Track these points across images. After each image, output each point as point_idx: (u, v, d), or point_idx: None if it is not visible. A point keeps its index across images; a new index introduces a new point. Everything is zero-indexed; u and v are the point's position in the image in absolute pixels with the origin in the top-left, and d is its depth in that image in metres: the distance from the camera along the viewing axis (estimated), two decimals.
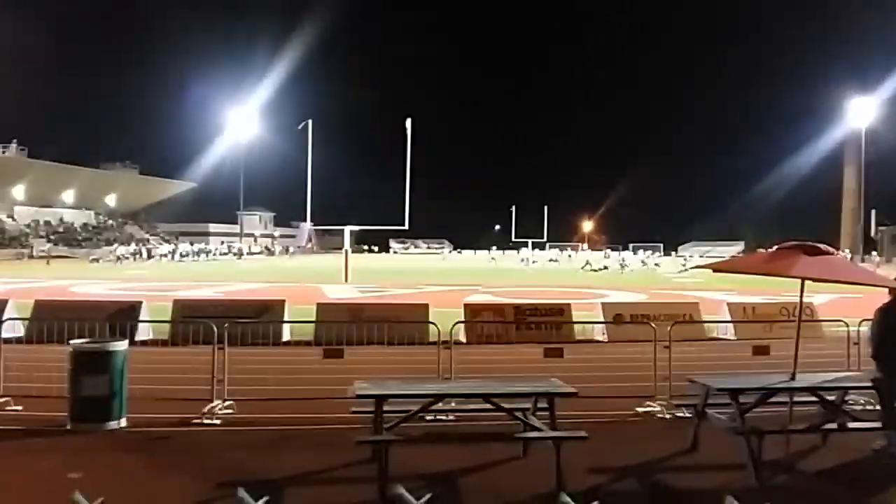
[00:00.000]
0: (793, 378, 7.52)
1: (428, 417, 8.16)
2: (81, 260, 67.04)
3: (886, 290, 7.89)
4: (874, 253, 67.98)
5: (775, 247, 8.04)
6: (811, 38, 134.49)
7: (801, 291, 7.78)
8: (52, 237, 78.09)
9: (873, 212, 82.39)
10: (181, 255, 72.59)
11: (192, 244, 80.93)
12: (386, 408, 6.80)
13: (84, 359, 8.10)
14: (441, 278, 40.72)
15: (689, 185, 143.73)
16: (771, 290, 21.57)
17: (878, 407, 7.84)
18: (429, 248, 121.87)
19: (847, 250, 64.64)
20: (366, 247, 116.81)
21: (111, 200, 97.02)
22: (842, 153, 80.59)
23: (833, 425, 7.58)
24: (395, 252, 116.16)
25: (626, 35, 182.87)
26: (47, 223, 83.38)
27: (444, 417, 8.44)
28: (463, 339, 14.25)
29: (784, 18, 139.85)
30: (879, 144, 76.01)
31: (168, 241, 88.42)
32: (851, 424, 7.59)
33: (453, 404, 8.44)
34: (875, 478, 6.99)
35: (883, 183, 78.55)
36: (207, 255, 76.87)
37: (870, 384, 7.70)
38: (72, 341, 8.33)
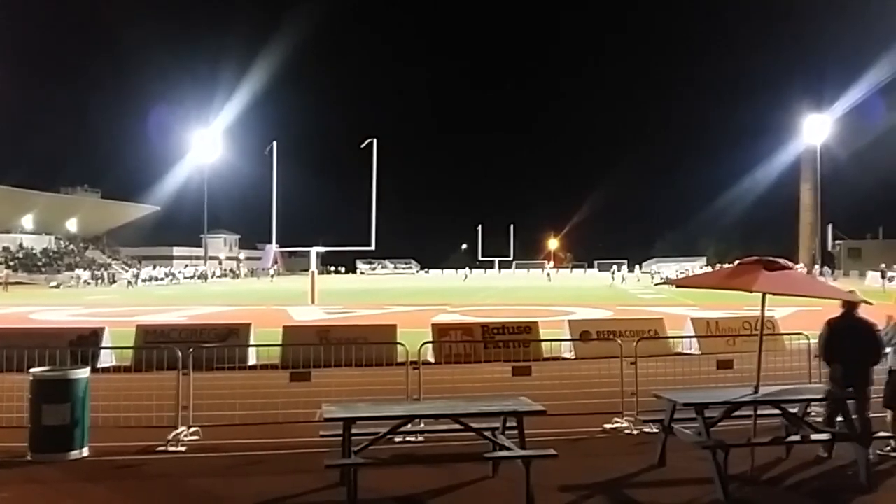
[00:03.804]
0: (756, 391, 7.63)
1: (397, 439, 8.13)
2: (41, 286, 65.67)
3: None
4: (824, 267, 69.38)
5: (736, 262, 8.19)
6: (767, 58, 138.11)
7: (763, 306, 7.93)
8: (10, 263, 76.36)
9: (830, 226, 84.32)
10: (145, 280, 71.44)
11: (155, 268, 79.83)
12: (354, 430, 6.76)
13: (44, 387, 7.93)
14: (408, 298, 40.66)
15: (652, 202, 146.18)
16: (733, 305, 21.91)
17: (839, 418, 8.00)
18: (396, 268, 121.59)
19: (802, 264, 65.80)
20: (333, 268, 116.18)
21: (72, 225, 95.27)
22: (798, 169, 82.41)
23: (796, 437, 7.72)
24: (362, 273, 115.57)
25: (587, 57, 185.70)
26: (6, 249, 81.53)
27: (413, 439, 8.41)
28: (431, 359, 14.23)
29: (741, 39, 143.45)
30: (834, 161, 78.06)
31: (131, 266, 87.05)
32: (814, 436, 7.73)
33: (422, 425, 8.41)
34: (838, 489, 7.11)
35: (838, 198, 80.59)
36: (172, 279, 75.76)
37: (821, 397, 7.86)
38: (31, 369, 8.15)
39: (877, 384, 8.31)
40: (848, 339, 7.97)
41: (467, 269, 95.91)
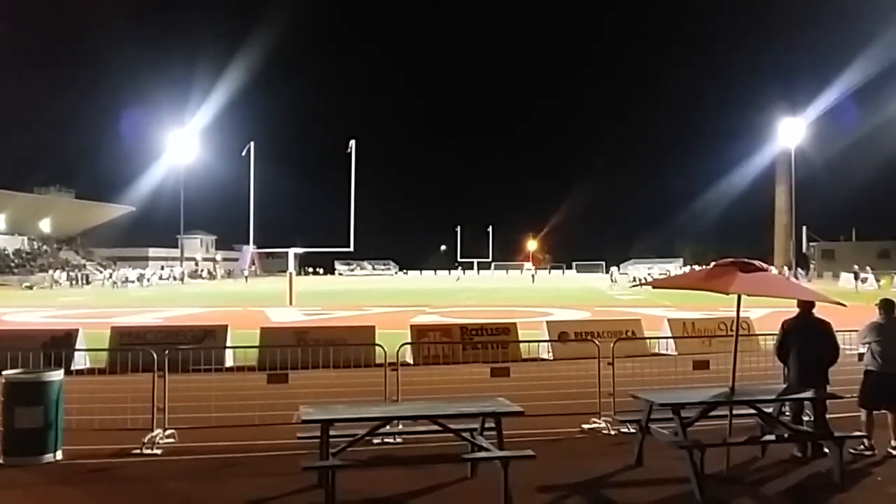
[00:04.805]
0: (732, 391, 7.71)
1: (375, 441, 8.10)
2: (14, 287, 64.73)
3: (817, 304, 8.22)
4: (798, 269, 70.24)
5: (712, 264, 8.27)
6: (742, 62, 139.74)
7: (738, 306, 8.01)
8: None
9: (804, 228, 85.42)
10: (121, 281, 70.58)
11: (131, 268, 78.95)
12: (332, 432, 6.74)
13: (17, 390, 7.81)
14: (387, 300, 40.58)
15: (630, 204, 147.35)
16: (709, 306, 22.11)
17: (812, 417, 8.11)
18: (374, 269, 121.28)
19: (778, 267, 66.60)
20: (311, 269, 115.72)
21: (45, 225, 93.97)
22: (773, 172, 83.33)
23: (771, 437, 7.80)
24: (340, 274, 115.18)
25: (566, 63, 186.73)
26: None
27: (391, 440, 8.39)
28: (410, 360, 14.21)
29: (717, 43, 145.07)
30: (809, 164, 79.11)
31: (105, 267, 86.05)
32: (789, 436, 7.81)
33: (401, 426, 8.40)
34: (812, 487, 7.20)
35: (813, 200, 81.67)
36: (148, 280, 74.93)
37: (805, 396, 7.96)
38: (4, 372, 8.03)
39: (853, 384, 8.44)
40: (803, 340, 8.12)
41: (460, 269, 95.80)
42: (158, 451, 8.25)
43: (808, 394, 7.89)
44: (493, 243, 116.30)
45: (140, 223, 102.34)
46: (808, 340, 8.11)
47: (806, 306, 8.20)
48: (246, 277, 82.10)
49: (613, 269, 74.56)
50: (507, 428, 7.27)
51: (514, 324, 16.65)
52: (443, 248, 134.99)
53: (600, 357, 9.71)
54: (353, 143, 35.63)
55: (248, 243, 39.93)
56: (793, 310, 8.44)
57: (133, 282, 71.37)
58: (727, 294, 7.25)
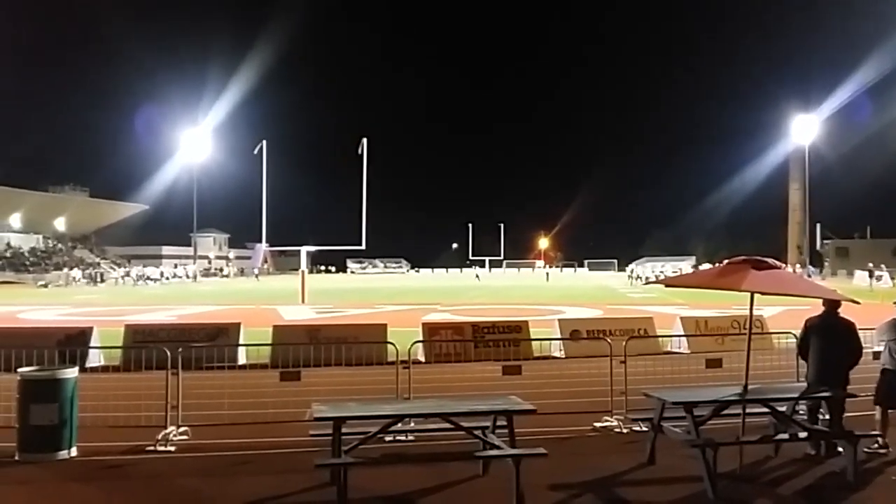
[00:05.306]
0: (745, 390, 7.67)
1: (387, 438, 8.12)
2: (29, 285, 65.25)
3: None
4: (811, 266, 69.76)
5: (725, 262, 8.23)
6: (756, 59, 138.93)
7: (751, 305, 7.97)
8: None
9: (818, 226, 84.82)
10: (135, 279, 71.05)
11: (144, 267, 79.48)
12: (344, 430, 6.76)
13: (32, 387, 7.88)
14: (399, 298, 40.63)
15: (642, 201, 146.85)
16: (722, 304, 22.00)
17: (826, 416, 8.07)
18: (386, 267, 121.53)
19: (791, 264, 66.20)
20: (323, 267, 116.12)
21: (60, 224, 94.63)
22: (787, 169, 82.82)
23: (784, 436, 7.76)
24: (352, 272, 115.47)
25: (577, 58, 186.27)
26: None
27: (403, 438, 8.41)
28: (422, 358, 14.23)
29: (730, 41, 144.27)
30: (823, 161, 78.59)
31: (119, 265, 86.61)
32: (802, 434, 7.77)
33: (412, 424, 8.41)
34: (826, 486, 7.16)
35: (827, 198, 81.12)
36: (166, 278, 75.39)
37: (820, 395, 7.91)
38: (19, 369, 8.10)
39: (869, 382, 8.39)
40: (825, 339, 8.06)
41: (477, 267, 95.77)
42: (172, 448, 8.30)
43: (823, 393, 7.84)
44: (505, 241, 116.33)
45: (153, 221, 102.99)
46: (829, 339, 8.04)
47: (831, 305, 8.13)
48: (258, 276, 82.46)
49: (632, 265, 74.17)
50: (519, 426, 7.26)
51: (526, 322, 16.64)
52: (454, 246, 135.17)
53: (612, 355, 9.69)
54: (364, 141, 35.64)
55: (260, 241, 39.92)
56: (806, 308, 8.39)
57: (154, 279, 71.91)
58: (740, 292, 7.21)
